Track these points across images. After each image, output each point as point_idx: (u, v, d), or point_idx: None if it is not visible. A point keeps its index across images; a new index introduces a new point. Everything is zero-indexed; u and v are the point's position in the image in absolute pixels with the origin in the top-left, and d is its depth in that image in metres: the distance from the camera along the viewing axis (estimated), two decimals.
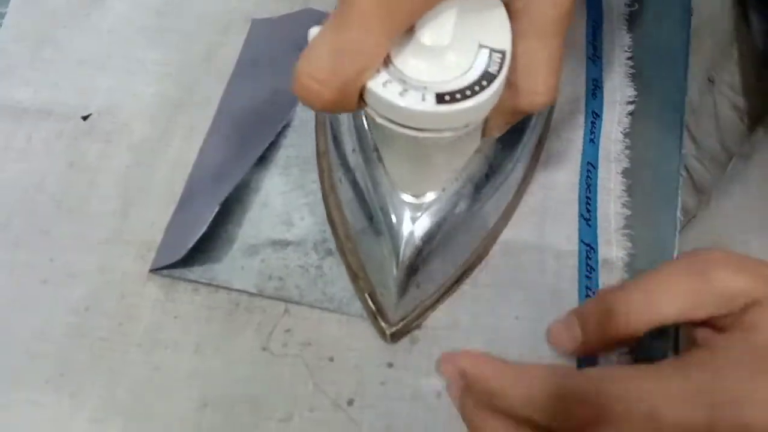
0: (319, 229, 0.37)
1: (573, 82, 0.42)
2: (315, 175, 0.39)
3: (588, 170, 0.40)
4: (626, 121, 0.41)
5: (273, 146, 0.39)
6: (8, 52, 0.42)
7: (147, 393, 0.34)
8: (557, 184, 0.39)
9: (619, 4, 0.45)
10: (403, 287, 0.34)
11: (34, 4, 0.44)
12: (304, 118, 0.40)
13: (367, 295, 0.36)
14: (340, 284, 0.36)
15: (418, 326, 0.35)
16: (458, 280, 0.37)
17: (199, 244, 0.35)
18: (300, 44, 0.41)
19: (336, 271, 0.36)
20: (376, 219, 0.33)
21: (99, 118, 0.40)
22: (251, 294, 0.36)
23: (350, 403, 0.34)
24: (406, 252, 0.32)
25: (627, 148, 0.41)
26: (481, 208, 0.34)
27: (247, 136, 0.39)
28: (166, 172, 0.39)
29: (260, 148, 0.38)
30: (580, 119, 0.41)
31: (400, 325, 0.35)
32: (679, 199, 0.40)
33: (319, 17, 0.43)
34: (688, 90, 0.44)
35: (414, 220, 0.32)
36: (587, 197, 0.39)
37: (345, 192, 0.36)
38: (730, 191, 0.51)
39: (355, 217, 0.35)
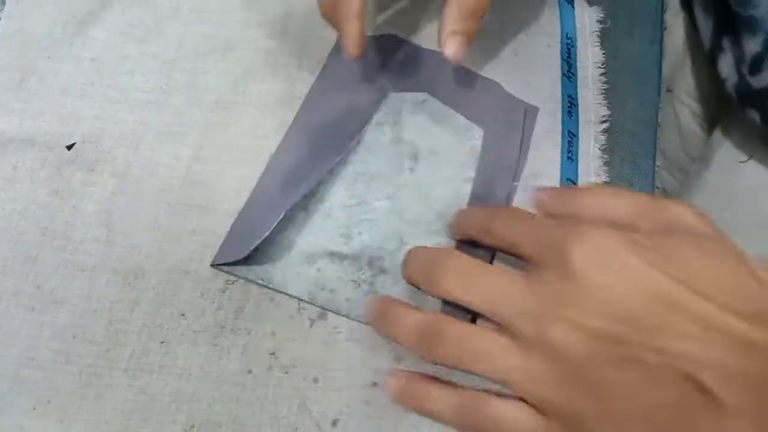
0: (376, 246, 0.38)
1: (549, 99, 0.43)
2: (379, 194, 0.40)
3: (568, 185, 0.40)
4: (602, 138, 0.42)
5: (343, 161, 0.40)
6: None
7: (134, 417, 0.34)
8: None
9: (592, 20, 0.46)
10: None
11: (17, 35, 0.44)
12: (375, 137, 0.41)
13: None
14: None
15: None
16: None
17: (261, 246, 0.37)
18: (378, 65, 0.43)
19: (388, 290, 0.37)
20: None
21: (83, 147, 0.41)
22: (237, 316, 0.37)
23: (335, 423, 0.34)
24: None
25: (606, 163, 0.41)
26: None
27: (320, 149, 0.40)
28: (150, 199, 0.39)
29: (332, 161, 0.39)
30: (557, 137, 0.42)
31: None
32: None
33: (398, 42, 0.44)
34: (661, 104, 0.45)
35: None
36: None
37: None
38: (688, 195, 0.52)
39: None
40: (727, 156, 0.50)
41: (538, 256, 0.29)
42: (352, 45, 0.37)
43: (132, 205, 0.39)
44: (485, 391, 0.30)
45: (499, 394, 0.30)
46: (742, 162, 0.49)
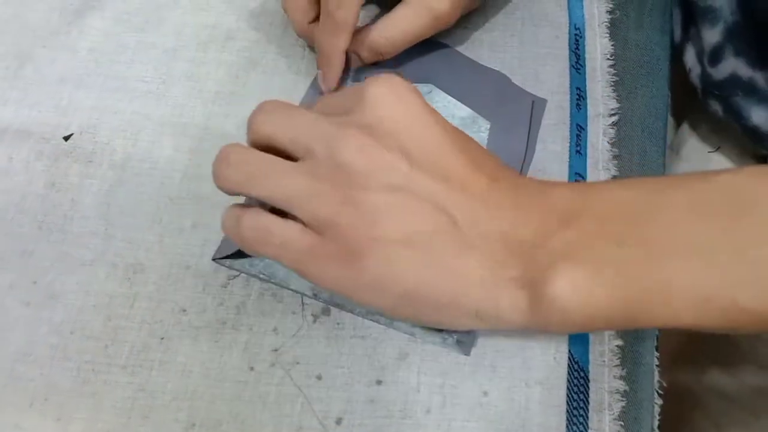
0: None
1: (557, 91, 0.42)
2: None
3: (576, 180, 0.40)
4: (611, 131, 0.41)
5: None
6: None
7: (133, 415, 0.34)
8: None
9: (601, 12, 0.45)
10: None
11: (13, 23, 0.43)
12: None
13: None
14: None
15: None
16: None
17: None
18: None
19: None
20: None
21: (80, 138, 0.40)
22: (238, 312, 0.36)
23: (338, 421, 0.34)
24: None
25: (614, 157, 0.41)
26: None
27: None
28: (150, 192, 0.39)
29: None
30: (565, 130, 0.41)
31: None
32: None
33: None
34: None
35: None
36: None
37: None
38: None
39: None
40: (697, 145, 0.51)
41: (344, 107, 0.32)
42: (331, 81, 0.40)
43: (131, 198, 0.38)
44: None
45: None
46: (711, 152, 0.49)
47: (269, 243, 0.31)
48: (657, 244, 0.29)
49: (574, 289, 0.29)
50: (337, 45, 0.39)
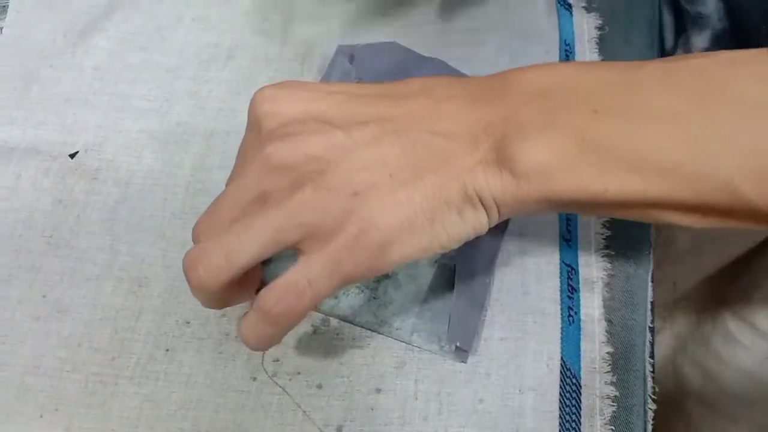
0: None
1: None
2: None
3: None
4: None
5: None
6: None
7: (140, 425, 0.35)
8: None
9: (590, 27, 0.46)
10: None
11: (19, 43, 0.44)
12: None
13: None
14: (392, 309, 0.37)
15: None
16: None
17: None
18: (376, 72, 0.43)
19: (390, 295, 0.38)
20: None
21: (86, 155, 0.41)
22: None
23: (339, 429, 0.35)
24: None
25: None
26: None
27: None
28: (154, 208, 0.40)
29: None
30: None
31: None
32: None
33: (395, 49, 0.44)
34: None
35: None
36: (567, 218, 0.40)
37: None
38: None
39: None
40: None
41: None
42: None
43: (136, 214, 0.40)
44: None
45: None
46: None
47: (301, 296, 0.29)
48: (630, 111, 0.30)
49: (550, 152, 0.29)
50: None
